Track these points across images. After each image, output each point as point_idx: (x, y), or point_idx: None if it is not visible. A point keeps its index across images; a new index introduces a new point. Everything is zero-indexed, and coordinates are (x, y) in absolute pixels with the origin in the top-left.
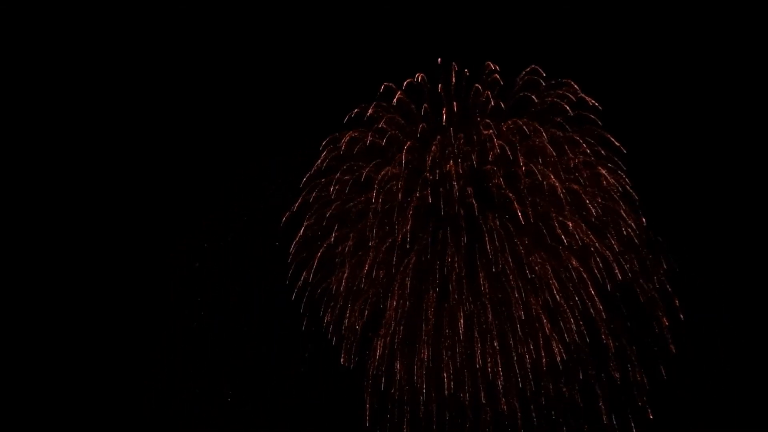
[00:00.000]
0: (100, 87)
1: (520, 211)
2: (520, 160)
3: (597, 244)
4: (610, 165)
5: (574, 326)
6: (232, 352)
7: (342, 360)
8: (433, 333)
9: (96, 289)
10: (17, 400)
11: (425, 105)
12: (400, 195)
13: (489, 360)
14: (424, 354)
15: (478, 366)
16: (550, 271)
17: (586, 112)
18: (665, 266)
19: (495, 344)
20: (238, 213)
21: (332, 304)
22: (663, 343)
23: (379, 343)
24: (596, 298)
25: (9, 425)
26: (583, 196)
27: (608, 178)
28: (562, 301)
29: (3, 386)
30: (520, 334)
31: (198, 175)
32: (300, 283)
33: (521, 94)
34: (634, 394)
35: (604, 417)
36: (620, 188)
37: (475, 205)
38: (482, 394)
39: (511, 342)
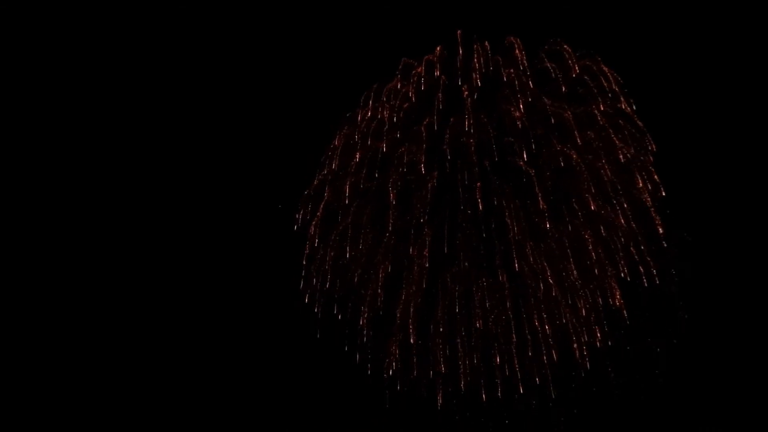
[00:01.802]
0: (99, 87)
1: (539, 186)
2: (540, 134)
3: (613, 218)
4: (627, 136)
5: (588, 294)
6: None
7: (361, 333)
8: (448, 307)
9: (96, 289)
10: (17, 400)
11: (443, 78)
12: (421, 169)
13: (501, 329)
14: (438, 334)
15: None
16: (567, 245)
17: (609, 86)
18: (678, 238)
19: (510, 315)
20: (238, 213)
21: (348, 275)
22: (674, 309)
23: (397, 316)
24: (609, 271)
25: (9, 425)
26: (602, 171)
27: (627, 154)
28: (576, 274)
29: (2, 386)
30: (533, 306)
31: (198, 175)
32: (317, 260)
33: (542, 66)
34: (644, 359)
35: (613, 382)
36: (640, 164)
37: (494, 179)
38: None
39: (524, 315)
